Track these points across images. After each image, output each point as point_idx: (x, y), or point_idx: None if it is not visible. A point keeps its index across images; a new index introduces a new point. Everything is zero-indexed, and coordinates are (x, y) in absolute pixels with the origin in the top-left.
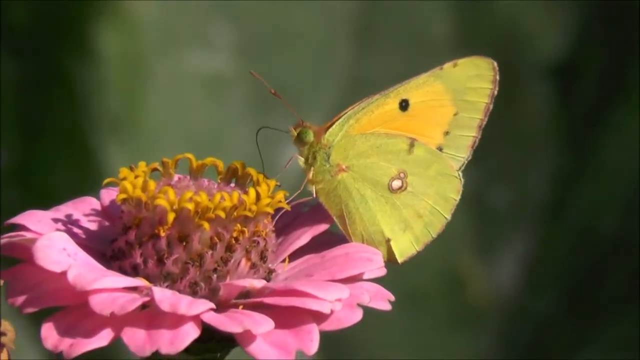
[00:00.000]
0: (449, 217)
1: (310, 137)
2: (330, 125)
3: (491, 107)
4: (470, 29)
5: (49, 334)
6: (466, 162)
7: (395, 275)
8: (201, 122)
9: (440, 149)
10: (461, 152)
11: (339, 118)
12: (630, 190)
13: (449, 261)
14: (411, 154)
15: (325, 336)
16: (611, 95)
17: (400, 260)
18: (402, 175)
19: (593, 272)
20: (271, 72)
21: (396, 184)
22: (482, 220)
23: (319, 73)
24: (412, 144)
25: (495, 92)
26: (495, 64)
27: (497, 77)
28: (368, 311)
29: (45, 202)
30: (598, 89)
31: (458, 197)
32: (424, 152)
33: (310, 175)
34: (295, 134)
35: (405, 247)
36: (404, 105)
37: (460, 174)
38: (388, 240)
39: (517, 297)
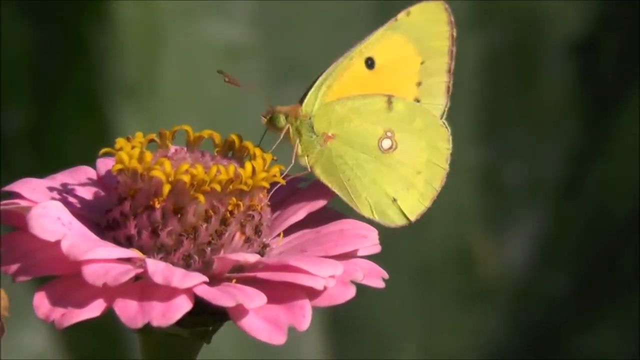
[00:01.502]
0: (446, 167)
1: (282, 121)
2: (304, 98)
3: (454, 49)
4: (488, 6)
5: (41, 303)
6: (446, 109)
7: (406, 251)
8: (216, 91)
9: (417, 101)
10: (438, 100)
11: (310, 88)
12: None
13: (460, 237)
14: (392, 110)
15: (334, 311)
16: (629, 76)
17: (412, 218)
18: (389, 134)
19: (605, 253)
20: (287, 45)
21: (386, 143)
22: (495, 197)
23: (336, 48)
24: (389, 100)
25: (454, 34)
26: (447, 5)
27: (452, 18)
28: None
29: (59, 166)
30: (616, 68)
31: (449, 146)
32: (403, 107)
33: (299, 150)
34: (266, 120)
35: (413, 205)
36: (369, 63)
37: (446, 123)
38: (395, 200)
39: (528, 276)
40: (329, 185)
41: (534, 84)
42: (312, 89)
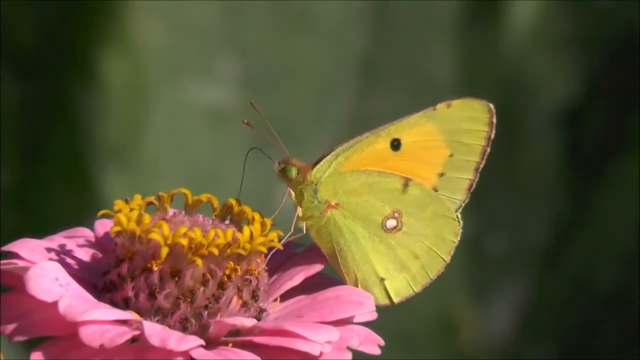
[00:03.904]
0: (447, 259)
1: (293, 173)
2: (318, 162)
3: (488, 150)
4: (475, 73)
5: None
6: (463, 205)
7: (388, 318)
8: (201, 153)
9: (435, 190)
10: (457, 195)
11: (328, 155)
12: (629, 242)
13: (442, 305)
14: (406, 193)
15: None
16: (615, 146)
17: (396, 300)
18: (396, 215)
19: (588, 323)
20: (274, 107)
21: (390, 223)
22: (478, 266)
23: (322, 109)
24: (406, 183)
25: (492, 135)
26: (492, 106)
27: (494, 120)
28: (359, 355)
29: (42, 225)
30: (602, 138)
31: (457, 240)
32: (419, 192)
33: (300, 211)
34: (279, 169)
35: (401, 287)
36: (395, 144)
37: (459, 216)
38: (382, 280)
39: (510, 345)
40: (321, 248)
41: (519, 154)
42: (329, 156)
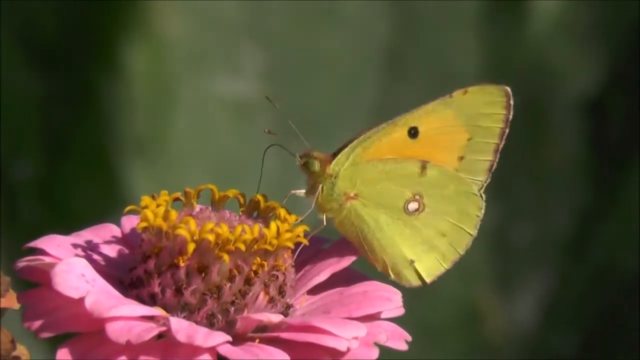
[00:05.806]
0: (474, 233)
1: (316, 167)
2: (337, 153)
3: (507, 131)
4: (499, 64)
5: (65, 359)
6: (485, 185)
7: (413, 308)
8: (226, 146)
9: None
10: (478, 176)
11: (345, 147)
12: None
13: (467, 296)
14: (424, 175)
15: None
16: (638, 135)
17: (428, 280)
18: (417, 197)
19: (612, 312)
20: (299, 99)
21: (412, 206)
22: (502, 256)
23: (347, 102)
24: (424, 166)
25: (510, 117)
26: (508, 89)
27: (511, 102)
28: (386, 349)
29: (67, 219)
30: (625, 128)
31: (481, 214)
32: (438, 173)
33: (315, 203)
34: (301, 163)
35: (431, 267)
36: (413, 132)
37: (482, 193)
38: (412, 262)
39: (535, 335)
40: (346, 237)
41: (542, 144)
42: (346, 149)
